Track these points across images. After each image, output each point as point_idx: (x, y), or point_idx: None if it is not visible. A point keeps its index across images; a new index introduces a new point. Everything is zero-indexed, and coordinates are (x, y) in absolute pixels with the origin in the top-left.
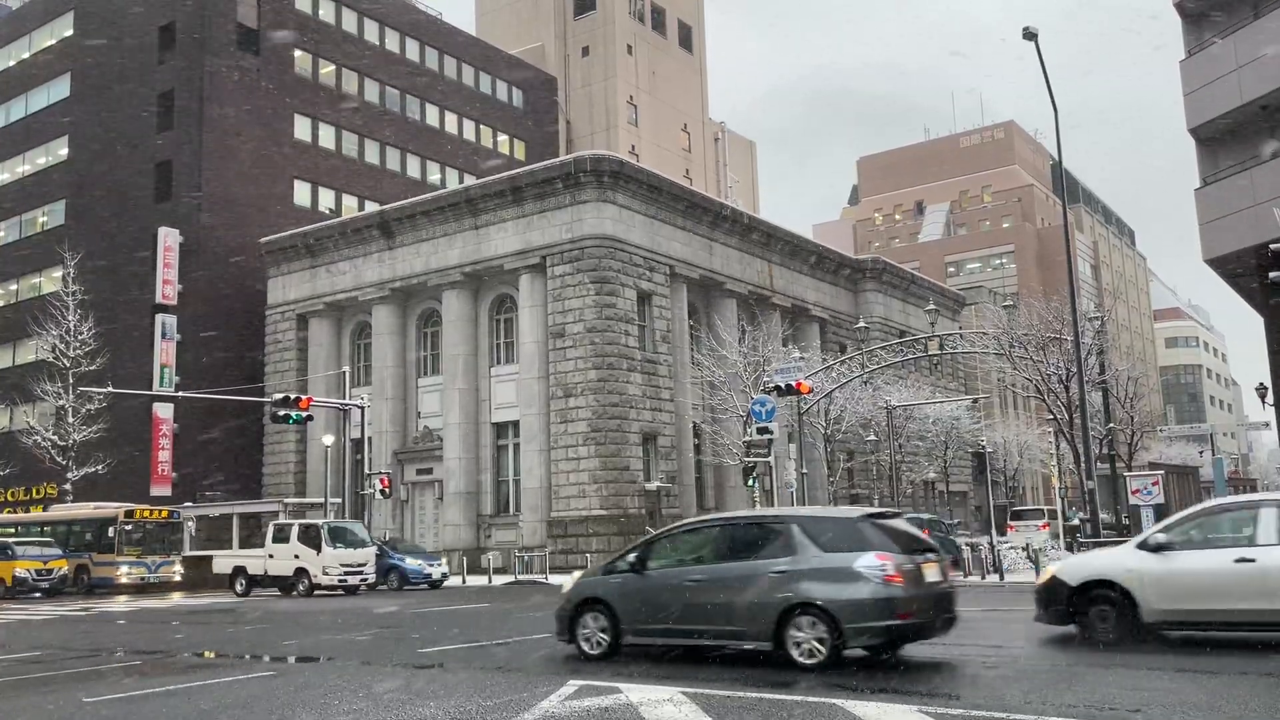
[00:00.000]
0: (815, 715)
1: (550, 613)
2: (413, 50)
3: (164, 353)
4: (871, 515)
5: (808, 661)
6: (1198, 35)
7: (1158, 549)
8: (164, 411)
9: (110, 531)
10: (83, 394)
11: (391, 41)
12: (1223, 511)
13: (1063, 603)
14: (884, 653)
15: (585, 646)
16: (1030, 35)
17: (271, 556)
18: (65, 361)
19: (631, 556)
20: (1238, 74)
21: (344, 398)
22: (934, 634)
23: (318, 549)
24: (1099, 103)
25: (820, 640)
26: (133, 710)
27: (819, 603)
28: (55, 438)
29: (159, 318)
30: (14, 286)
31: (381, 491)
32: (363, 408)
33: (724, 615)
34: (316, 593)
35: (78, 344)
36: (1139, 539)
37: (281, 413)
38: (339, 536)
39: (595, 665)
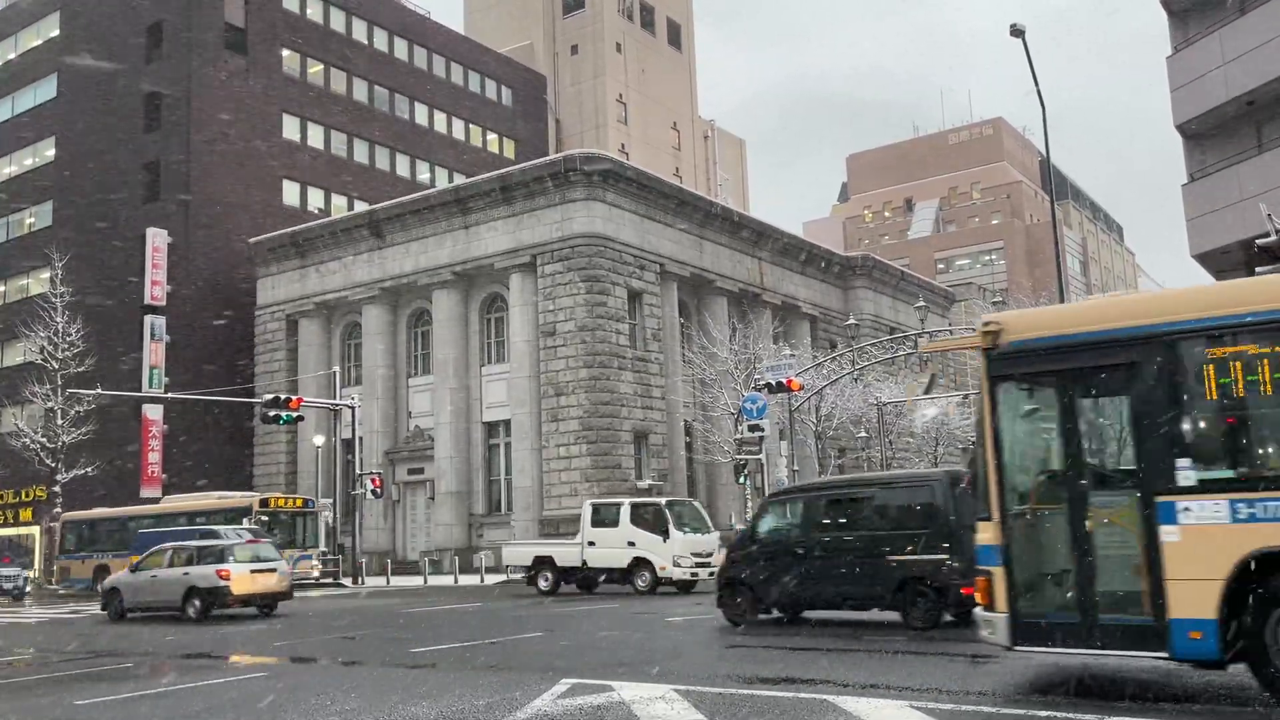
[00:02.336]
0: (808, 711)
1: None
2: (401, 49)
3: (153, 354)
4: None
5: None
6: (1184, 32)
7: (134, 570)
8: (153, 413)
9: (245, 523)
10: (72, 396)
11: (380, 41)
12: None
13: (107, 599)
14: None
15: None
16: (1017, 32)
17: (592, 544)
18: (54, 363)
19: None
20: (1224, 70)
21: (334, 398)
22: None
23: (664, 534)
24: (1087, 100)
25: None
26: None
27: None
28: (44, 440)
29: (148, 319)
30: (1, 288)
31: (373, 491)
32: (353, 408)
33: None
34: (660, 589)
35: (66, 345)
36: (132, 565)
37: (272, 413)
38: (683, 519)
39: (588, 664)
